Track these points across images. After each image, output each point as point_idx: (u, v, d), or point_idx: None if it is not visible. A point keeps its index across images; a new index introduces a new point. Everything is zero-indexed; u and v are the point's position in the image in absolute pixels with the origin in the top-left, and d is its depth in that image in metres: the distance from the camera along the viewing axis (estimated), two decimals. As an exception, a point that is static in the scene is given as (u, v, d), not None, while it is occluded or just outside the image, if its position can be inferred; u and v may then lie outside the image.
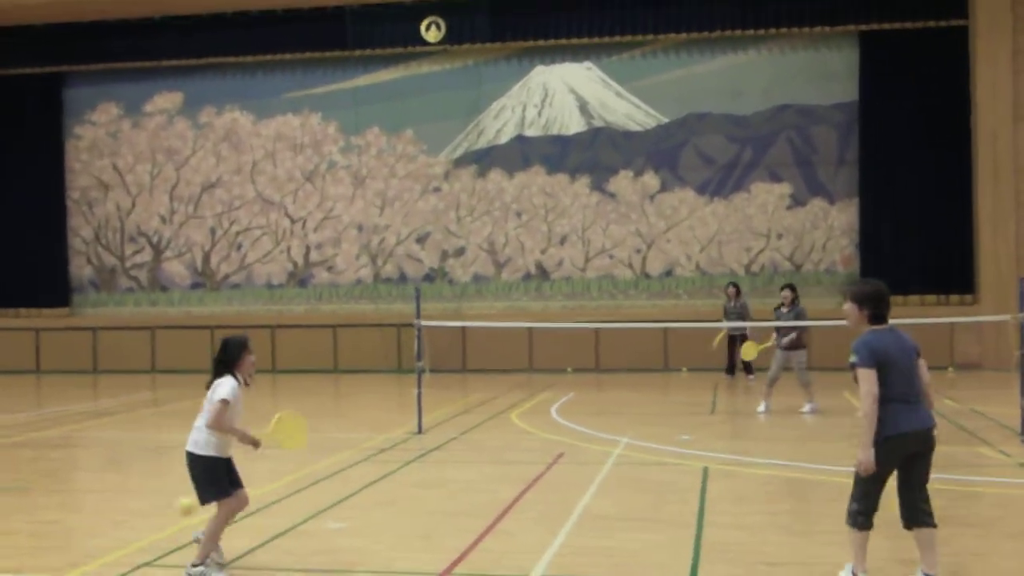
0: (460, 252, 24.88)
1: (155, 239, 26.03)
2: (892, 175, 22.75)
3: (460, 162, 24.90)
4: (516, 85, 24.82)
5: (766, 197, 23.80)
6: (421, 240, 25.00)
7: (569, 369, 22.96)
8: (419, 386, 13.70)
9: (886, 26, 22.84)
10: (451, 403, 17.02)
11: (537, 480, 10.21)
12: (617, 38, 23.82)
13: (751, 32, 23.37)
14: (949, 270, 22.50)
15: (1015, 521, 8.23)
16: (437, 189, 24.94)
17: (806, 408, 15.18)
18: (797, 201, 23.68)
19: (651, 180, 24.21)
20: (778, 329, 15.34)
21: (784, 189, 23.72)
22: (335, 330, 24.57)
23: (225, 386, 7.05)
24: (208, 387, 7.18)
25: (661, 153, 24.17)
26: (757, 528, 8.17)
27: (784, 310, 15.38)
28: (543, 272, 24.64)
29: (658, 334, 22.62)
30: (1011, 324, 13.04)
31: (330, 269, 25.33)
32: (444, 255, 24.96)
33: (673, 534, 7.95)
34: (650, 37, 23.79)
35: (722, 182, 23.99)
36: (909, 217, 22.64)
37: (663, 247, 24.20)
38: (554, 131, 24.66)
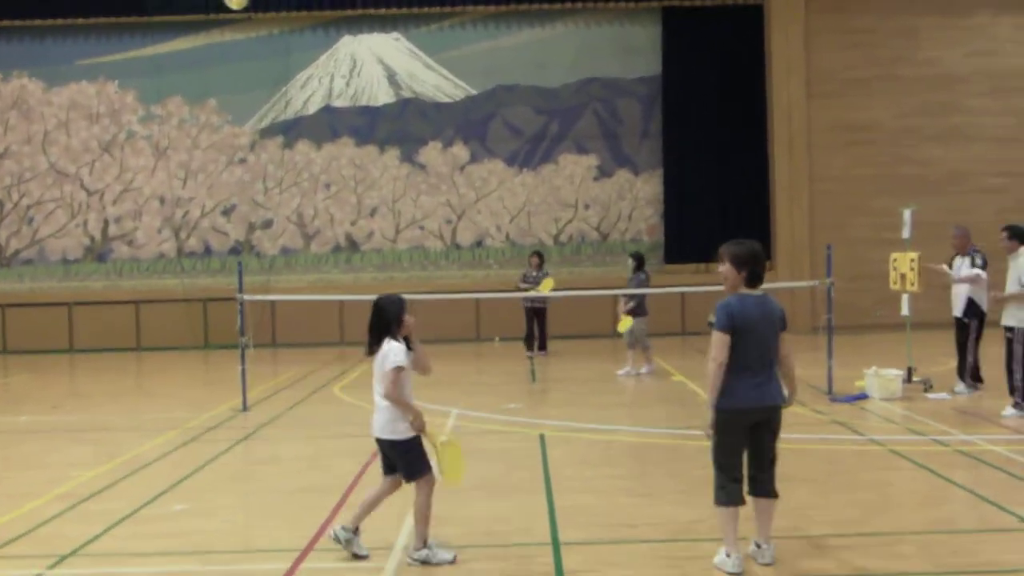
0: (268, 225, 24.31)
1: (-66, 213, 24.37)
2: (694, 147, 23.57)
3: (266, 133, 24.28)
4: (323, 55, 24.37)
5: (573, 168, 24.25)
6: (227, 213, 24.28)
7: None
8: (243, 362, 13.38)
9: (687, 3, 23.61)
10: (269, 379, 16.70)
11: (377, 453, 10.12)
12: (425, 9, 23.70)
13: (558, 6, 23.71)
14: (748, 239, 23.48)
15: (845, 475, 8.74)
16: (243, 160, 24.27)
17: (644, 370, 15.70)
18: (604, 172, 24.24)
19: (460, 151, 24.29)
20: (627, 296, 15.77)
21: (591, 161, 24.23)
22: (137, 306, 23.60)
23: (396, 351, 6.46)
24: (369, 355, 6.55)
25: (470, 124, 24.26)
26: (605, 492, 8.39)
27: (628, 276, 15.91)
28: (353, 244, 24.38)
29: (470, 304, 22.76)
30: (819, 289, 13.78)
31: (130, 243, 24.27)
32: (251, 228, 24.33)
33: (526, 500, 8.07)
34: (458, 9, 23.80)
35: (530, 154, 24.30)
36: (710, 188, 23.53)
37: (473, 218, 24.34)
38: (363, 102, 24.38)
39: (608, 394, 14.49)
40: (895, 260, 13.74)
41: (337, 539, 6.64)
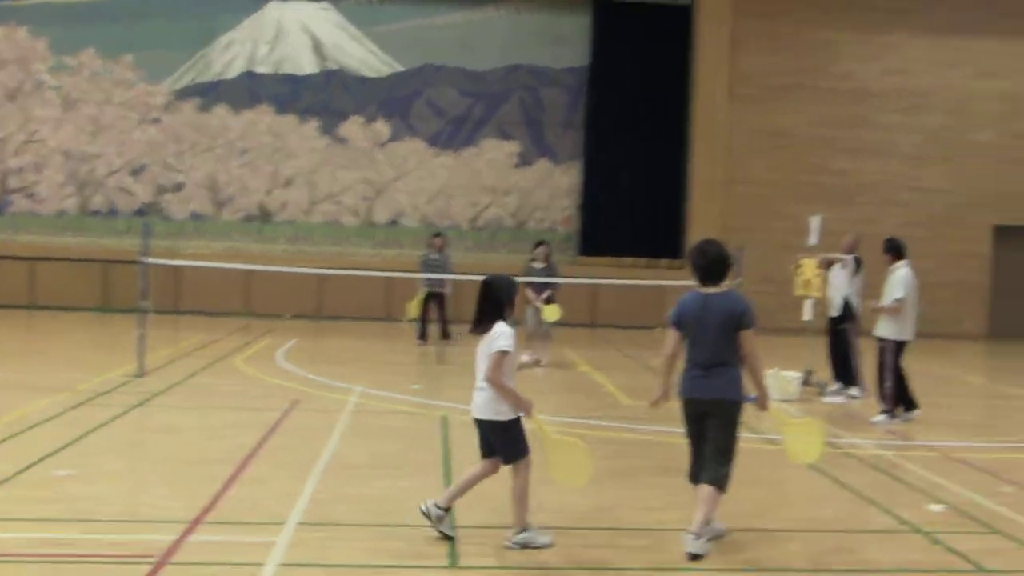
0: (178, 188, 23.74)
1: None
2: (615, 141, 23.62)
3: (183, 94, 23.70)
4: (248, 19, 23.87)
5: (495, 154, 24.14)
6: (136, 173, 23.64)
7: (288, 315, 22.45)
8: (142, 326, 13.00)
9: (618, -3, 23.67)
10: (169, 345, 16.27)
11: (276, 427, 9.93)
12: (357, -19, 23.39)
13: (490, -11, 23.58)
14: (662, 236, 23.65)
15: (740, 472, 8.68)
16: (156, 120, 23.64)
17: (543, 359, 15.49)
18: (524, 160, 24.16)
19: (382, 128, 24.00)
20: (532, 285, 15.55)
21: (513, 147, 24.13)
22: (32, 263, 22.80)
23: (507, 335, 6.27)
24: (477, 333, 6.36)
25: (394, 101, 23.98)
26: (502, 475, 8.26)
27: (537, 265, 15.69)
28: (266, 214, 23.95)
29: (381, 283, 22.47)
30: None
31: (31, 197, 23.49)
32: (160, 190, 23.73)
33: (424, 480, 7.93)
34: (390, -17, 23.52)
35: (452, 135, 24.12)
36: (628, 183, 23.61)
37: (391, 196, 24.08)
38: (286, 70, 23.94)
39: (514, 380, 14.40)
40: (799, 266, 13.96)
41: (428, 515, 6.46)
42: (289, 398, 11.68)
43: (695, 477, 6.62)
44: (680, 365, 6.63)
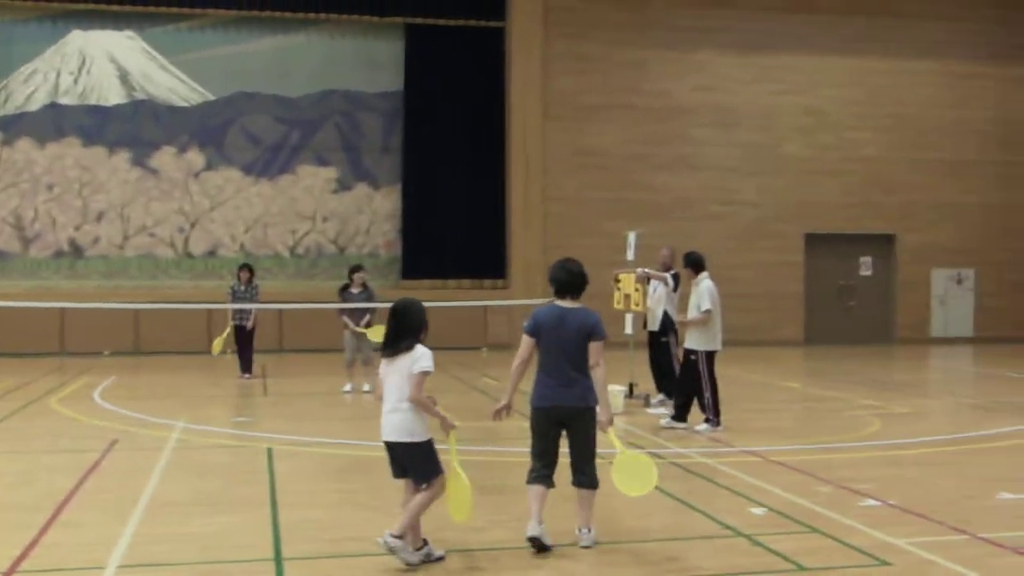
0: (-19, 226, 22.80)
1: None
2: (433, 164, 23.87)
3: (-16, 128, 22.81)
4: (50, 49, 23.13)
5: (312, 180, 24.04)
6: (-66, 211, 22.62)
7: (106, 352, 21.80)
8: (-53, 372, 12.47)
9: (430, 20, 23.93)
10: (-22, 390, 15.62)
11: (94, 468, 9.68)
12: (162, 8, 22.99)
13: (301, 15, 23.50)
14: (484, 256, 23.99)
15: (564, 486, 8.98)
16: (-45, 155, 22.68)
17: (366, 387, 15.40)
18: (343, 185, 24.15)
19: (196, 157, 23.62)
20: (348, 311, 15.52)
21: (330, 173, 24.10)
22: None
23: (428, 356, 6.45)
24: (387, 359, 6.41)
25: (207, 130, 23.62)
26: (332, 505, 8.33)
27: (355, 291, 15.65)
28: (77, 249, 23.20)
29: (201, 315, 22.09)
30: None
31: None
32: (-38, 228, 22.75)
33: (250, 515, 7.89)
34: (198, 11, 23.20)
35: (268, 163, 23.91)
36: (448, 205, 23.89)
37: (207, 227, 23.68)
38: (92, 101, 23.30)
39: (334, 407, 14.42)
40: (619, 281, 14.32)
41: (390, 549, 6.39)
42: (108, 438, 11.39)
43: (541, 479, 6.98)
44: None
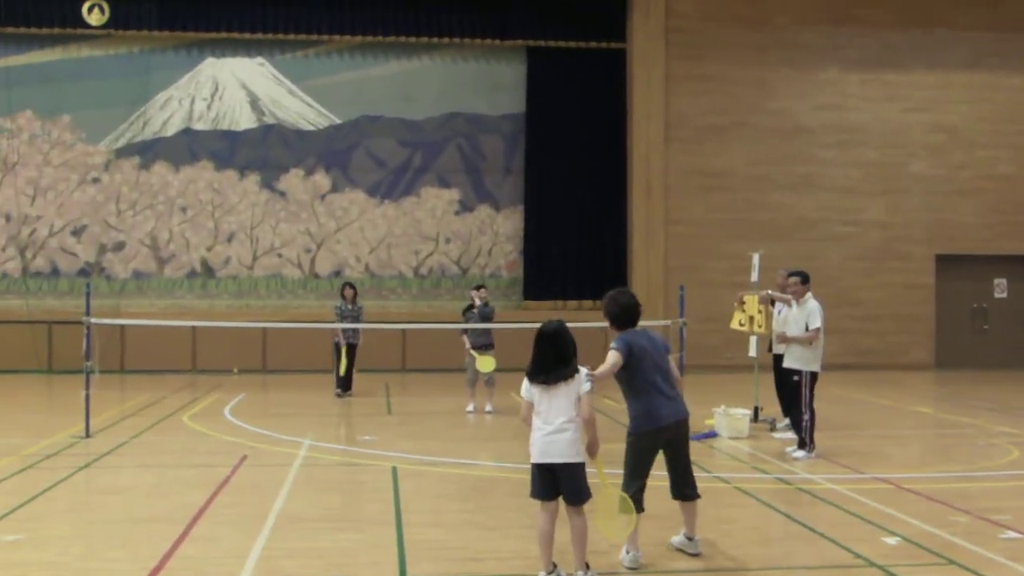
0: (120, 247, 23.65)
1: None
2: (554, 186, 23.94)
3: (122, 153, 23.68)
4: (185, 76, 23.94)
5: (435, 202, 24.33)
6: (77, 233, 23.53)
7: (235, 370, 22.39)
8: (87, 387, 12.96)
9: (552, 43, 24.05)
10: (116, 405, 16.19)
11: (225, 483, 9.94)
12: (291, 36, 23.57)
13: (424, 39, 23.83)
14: (605, 278, 23.84)
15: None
16: (96, 180, 23.59)
17: (488, 408, 15.54)
18: (465, 207, 24.38)
19: (322, 180, 24.12)
20: (468, 330, 15.64)
21: (453, 195, 24.35)
22: (-25, 327, 22.61)
23: (587, 376, 6.65)
24: (552, 383, 6.58)
25: (333, 153, 24.13)
26: (454, 525, 8.39)
27: (477, 304, 15.71)
28: (209, 270, 23.91)
29: (326, 335, 22.35)
30: (672, 329, 14.09)
31: (-29, 261, 23.30)
32: (102, 249, 23.63)
33: (376, 533, 8.01)
34: (324, 37, 23.72)
35: (392, 185, 24.28)
36: (569, 226, 23.92)
37: (332, 247, 24.16)
38: (224, 126, 24.00)
39: (460, 427, 14.52)
40: (743, 302, 14.06)
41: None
42: (238, 453, 11.68)
43: (682, 495, 7.38)
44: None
